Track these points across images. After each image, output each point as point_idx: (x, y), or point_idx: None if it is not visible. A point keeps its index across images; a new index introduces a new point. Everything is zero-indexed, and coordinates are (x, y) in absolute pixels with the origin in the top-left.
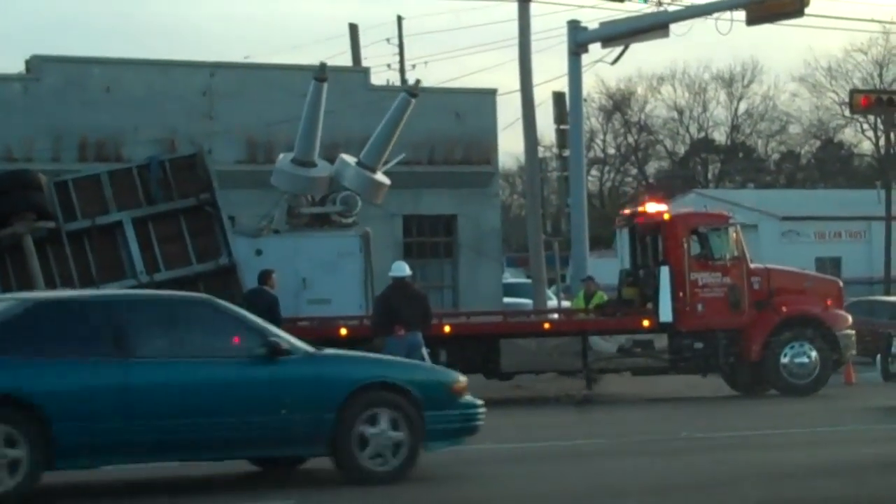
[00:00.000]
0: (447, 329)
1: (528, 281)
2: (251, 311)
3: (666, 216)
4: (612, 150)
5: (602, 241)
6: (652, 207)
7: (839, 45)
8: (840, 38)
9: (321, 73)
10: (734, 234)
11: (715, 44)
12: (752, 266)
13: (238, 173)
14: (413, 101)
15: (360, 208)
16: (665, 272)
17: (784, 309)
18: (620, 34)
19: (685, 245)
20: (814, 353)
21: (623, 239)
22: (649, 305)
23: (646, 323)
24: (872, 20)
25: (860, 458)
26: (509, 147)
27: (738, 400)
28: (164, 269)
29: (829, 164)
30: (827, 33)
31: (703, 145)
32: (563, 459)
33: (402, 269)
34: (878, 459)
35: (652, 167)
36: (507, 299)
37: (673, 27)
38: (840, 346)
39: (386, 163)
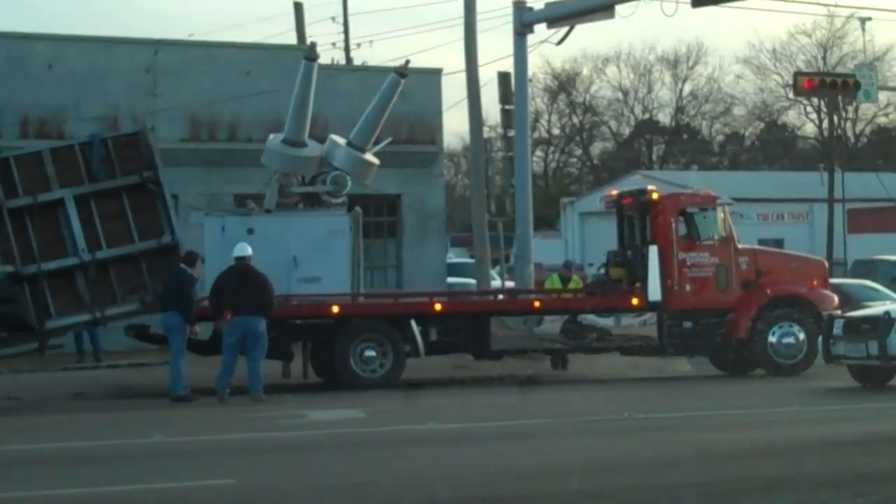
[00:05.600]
0: (438, 307)
1: (472, 261)
2: (166, 288)
3: (654, 196)
4: (556, 131)
5: (546, 222)
6: (640, 188)
7: (784, 27)
8: (784, 21)
9: (311, 52)
10: (722, 215)
11: (660, 25)
12: (739, 246)
13: (181, 151)
14: (402, 81)
15: (350, 188)
16: (653, 251)
17: (771, 289)
18: (566, 15)
19: (673, 225)
20: (801, 334)
21: (566, 220)
22: (638, 285)
23: (635, 301)
24: (817, 3)
25: (801, 439)
26: (454, 127)
27: (679, 381)
28: (106, 246)
29: (772, 147)
30: (771, 15)
31: (648, 126)
32: (506, 439)
33: (244, 249)
34: (818, 440)
35: (596, 148)
36: (450, 279)
37: (618, 8)
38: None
39: (376, 143)
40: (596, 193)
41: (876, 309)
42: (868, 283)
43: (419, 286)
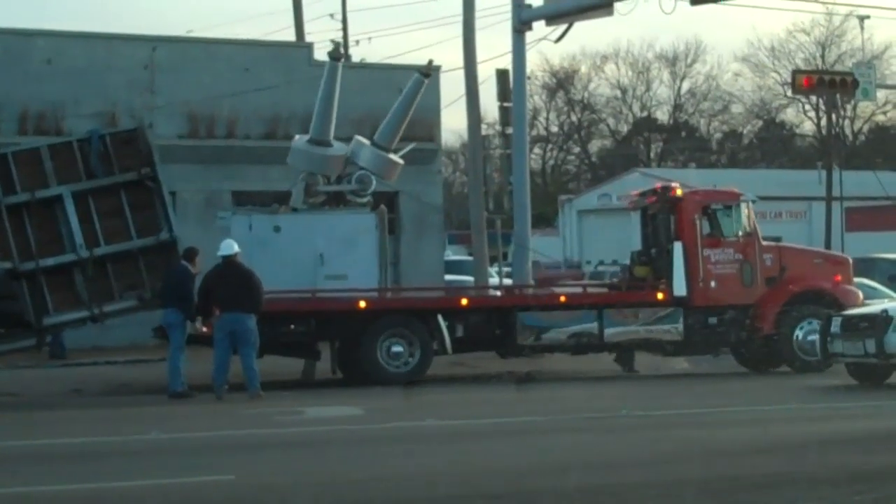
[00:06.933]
0: (464, 302)
1: (470, 258)
2: (165, 285)
3: (678, 193)
4: (554, 129)
5: (544, 220)
6: (664, 185)
7: (782, 25)
8: (783, 19)
9: (336, 52)
10: (746, 211)
11: (659, 23)
12: (763, 243)
13: (179, 148)
14: (426, 81)
15: (375, 187)
16: (678, 248)
17: (796, 285)
18: (565, 12)
19: (698, 222)
20: None
21: (564, 218)
22: (662, 282)
23: (660, 296)
24: (816, 1)
25: (799, 436)
26: (452, 124)
27: (677, 378)
28: (104, 243)
29: (770, 144)
30: (770, 13)
31: (646, 124)
32: (504, 436)
33: (230, 247)
34: (815, 437)
35: (595, 146)
36: (448, 276)
37: (617, 5)
38: None
39: (398, 149)
40: (594, 191)
41: (874, 307)
42: (866, 281)
43: (417, 284)
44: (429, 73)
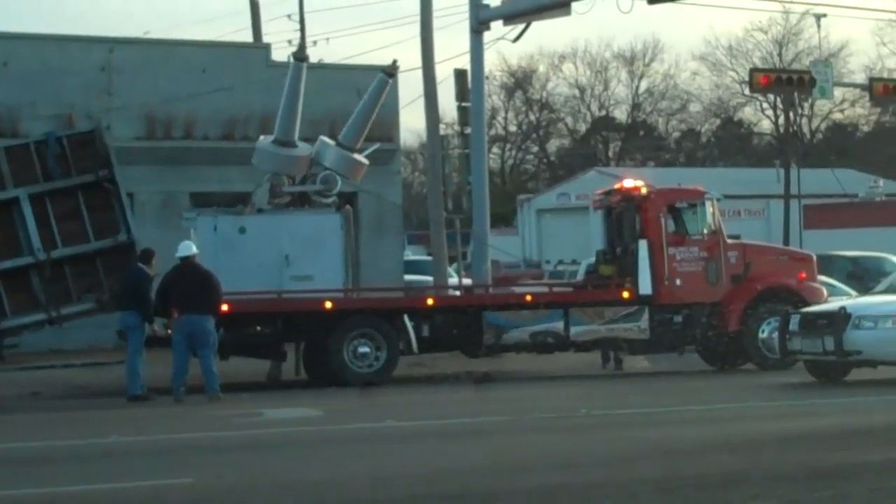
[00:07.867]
0: (430, 301)
1: (430, 258)
2: (123, 287)
3: (643, 191)
4: (513, 128)
5: (503, 219)
6: (629, 183)
7: (740, 24)
8: (740, 18)
9: (301, 53)
10: (711, 209)
11: (616, 22)
12: (728, 241)
13: (137, 149)
14: (390, 81)
15: (340, 188)
16: (643, 246)
17: (760, 283)
18: (522, 11)
19: (663, 220)
20: None
21: (523, 217)
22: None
23: (625, 294)
24: None
25: (757, 435)
26: (411, 124)
27: (636, 378)
28: (61, 245)
29: (728, 143)
30: (727, 12)
31: (604, 123)
32: (464, 436)
33: (188, 248)
34: (774, 435)
35: (553, 145)
36: (408, 276)
37: (574, 5)
38: None
39: (362, 150)
40: (552, 190)
41: (832, 304)
42: (824, 278)
43: (376, 284)
44: (393, 72)
